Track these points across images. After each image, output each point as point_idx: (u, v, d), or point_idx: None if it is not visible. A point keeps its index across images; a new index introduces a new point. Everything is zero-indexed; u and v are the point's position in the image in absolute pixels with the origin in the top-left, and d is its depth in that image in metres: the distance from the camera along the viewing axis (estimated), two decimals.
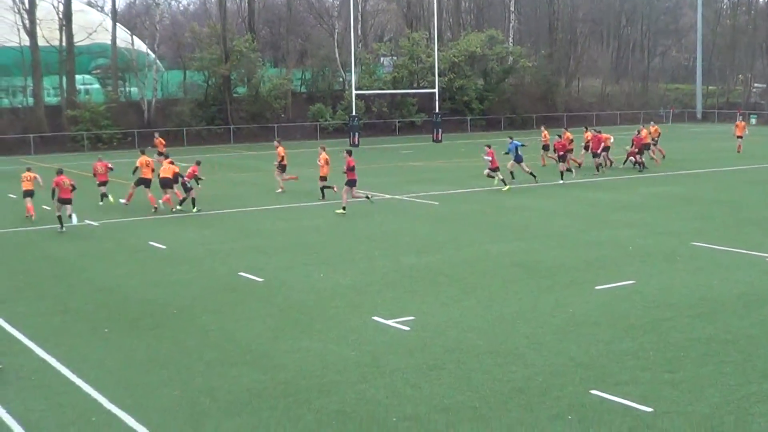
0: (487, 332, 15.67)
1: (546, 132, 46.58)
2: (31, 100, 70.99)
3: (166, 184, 32.14)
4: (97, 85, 77.59)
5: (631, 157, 43.58)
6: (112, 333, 16.27)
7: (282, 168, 37.44)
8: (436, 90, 73.75)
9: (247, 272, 21.17)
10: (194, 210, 31.93)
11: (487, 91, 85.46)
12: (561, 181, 38.46)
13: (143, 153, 35.33)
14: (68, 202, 29.07)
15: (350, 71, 74.24)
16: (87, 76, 77.51)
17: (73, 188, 29.19)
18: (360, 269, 21.42)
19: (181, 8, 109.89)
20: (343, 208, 30.88)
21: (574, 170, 41.03)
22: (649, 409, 11.76)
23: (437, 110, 73.25)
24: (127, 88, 77.78)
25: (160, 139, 52.09)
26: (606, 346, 14.67)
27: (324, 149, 34.79)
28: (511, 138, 40.75)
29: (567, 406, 11.97)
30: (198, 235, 26.96)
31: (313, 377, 13.40)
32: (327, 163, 34.10)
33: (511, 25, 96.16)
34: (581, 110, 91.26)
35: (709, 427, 11.20)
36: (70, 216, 29.19)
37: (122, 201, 33.95)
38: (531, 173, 39.14)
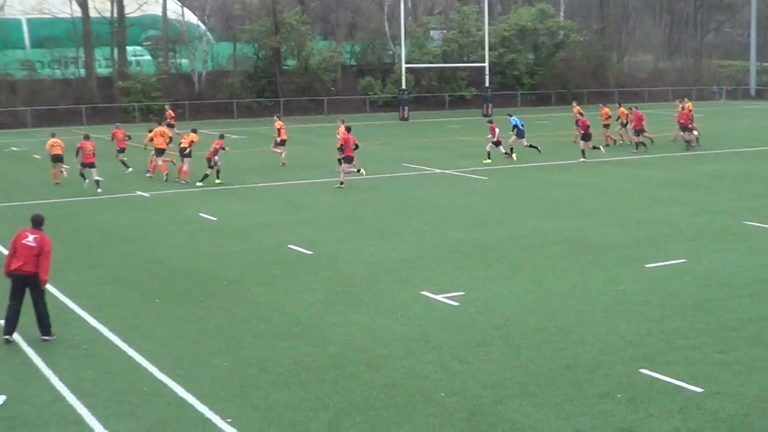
0: (536, 309, 15.61)
1: (578, 108, 45.85)
2: (82, 71, 71.61)
3: (181, 152, 33.37)
4: (148, 57, 77.75)
5: (683, 133, 42.81)
6: (163, 303, 16.42)
7: (281, 143, 38.16)
8: (486, 64, 72.73)
9: (296, 245, 21.23)
10: (217, 182, 32.49)
11: (538, 66, 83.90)
12: (582, 159, 37.93)
13: (160, 124, 36.96)
14: (92, 165, 31.40)
15: (400, 44, 73.46)
16: (138, 48, 77.60)
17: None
18: (409, 243, 21.38)
19: None
20: (341, 183, 31.13)
21: (602, 148, 40.22)
22: (699, 390, 11.67)
23: (487, 84, 72.50)
24: (178, 60, 77.98)
25: (170, 111, 52.28)
26: (656, 324, 14.56)
27: (342, 122, 35.69)
28: (510, 115, 41.37)
29: (616, 384, 11.91)
30: (248, 207, 27.13)
31: (362, 351, 13.44)
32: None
33: None
34: (633, 86, 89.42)
35: (759, 408, 11.10)
36: (96, 182, 30.81)
37: (147, 174, 34.86)
38: (533, 146, 39.10)
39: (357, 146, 31.99)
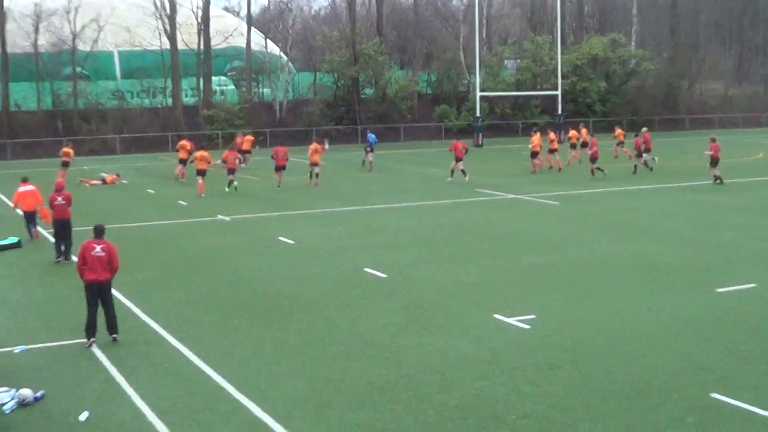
0: (606, 332, 15.61)
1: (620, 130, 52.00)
2: (169, 101, 73.46)
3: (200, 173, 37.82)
4: (232, 86, 79.52)
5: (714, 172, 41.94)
6: (241, 324, 16.69)
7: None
8: (558, 92, 74.39)
9: (371, 268, 21.40)
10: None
11: (609, 94, 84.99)
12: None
13: (202, 148, 40.60)
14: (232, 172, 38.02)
15: (474, 73, 74.70)
16: (222, 78, 79.71)
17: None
18: (482, 267, 21.43)
19: (313, 13, 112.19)
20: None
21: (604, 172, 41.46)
22: None
23: (560, 112, 73.91)
24: (260, 89, 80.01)
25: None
26: (728, 349, 14.43)
27: (317, 142, 42.43)
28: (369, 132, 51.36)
29: (687, 408, 11.85)
30: (325, 231, 27.47)
31: (434, 372, 13.54)
32: (316, 151, 40.23)
33: (633, 28, 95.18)
34: (703, 113, 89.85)
35: None
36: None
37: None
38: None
39: (467, 150, 40.26)
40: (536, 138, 45.04)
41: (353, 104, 77.08)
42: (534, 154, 44.73)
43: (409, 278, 20.25)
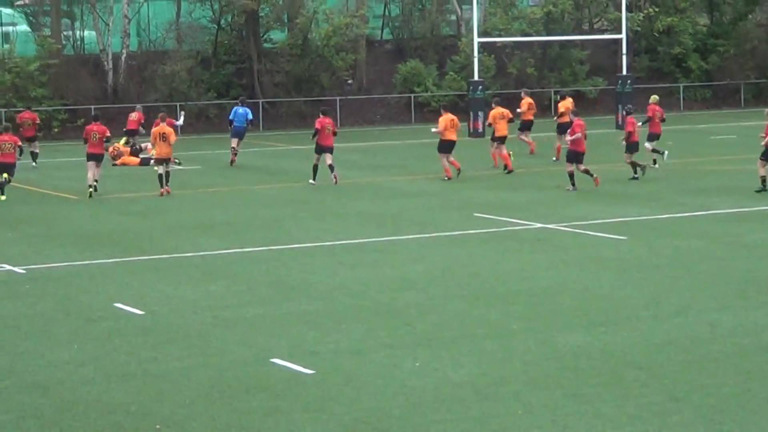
0: None
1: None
2: None
3: None
4: (24, 27, 53.45)
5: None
6: None
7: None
8: (623, 35, 48.53)
9: (285, 358, 14.47)
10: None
11: (717, 38, 57.45)
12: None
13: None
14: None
15: (470, 3, 50.81)
16: (7, 11, 53.79)
17: None
18: (485, 354, 14.51)
19: None
20: None
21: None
22: None
23: (625, 72, 48.81)
24: (79, 33, 53.05)
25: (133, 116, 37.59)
26: None
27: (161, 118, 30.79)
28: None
29: None
30: (199, 291, 18.84)
31: None
32: (162, 137, 29.72)
33: None
34: None
35: None
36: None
37: None
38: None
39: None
40: (566, 105, 34.44)
41: (249, 60, 51.50)
42: (561, 128, 33.29)
43: (354, 378, 13.78)
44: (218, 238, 24.09)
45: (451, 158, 31.34)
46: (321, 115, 31.09)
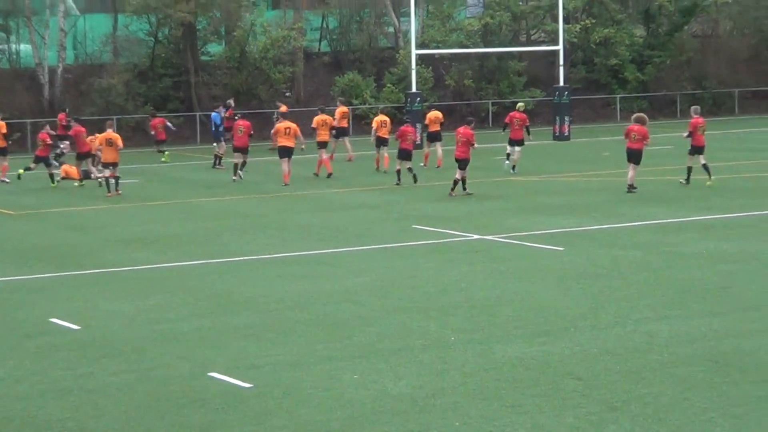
0: None
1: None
2: None
3: None
4: None
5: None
6: None
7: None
8: (560, 47, 47.97)
9: (223, 372, 14.17)
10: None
11: (653, 49, 57.35)
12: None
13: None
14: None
15: (407, 15, 50.46)
16: None
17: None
18: (424, 367, 14.26)
19: None
20: None
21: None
22: None
23: (562, 83, 48.62)
24: (14, 46, 52.51)
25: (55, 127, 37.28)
26: None
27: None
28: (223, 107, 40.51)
29: None
30: (137, 305, 18.44)
31: None
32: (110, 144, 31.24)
33: None
34: None
35: None
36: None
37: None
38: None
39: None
40: (435, 115, 36.41)
41: (187, 73, 51.23)
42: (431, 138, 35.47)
43: (293, 390, 13.50)
44: (157, 252, 23.73)
45: (326, 156, 33.83)
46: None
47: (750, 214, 26.39)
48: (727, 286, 18.68)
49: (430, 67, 52.04)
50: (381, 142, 35.53)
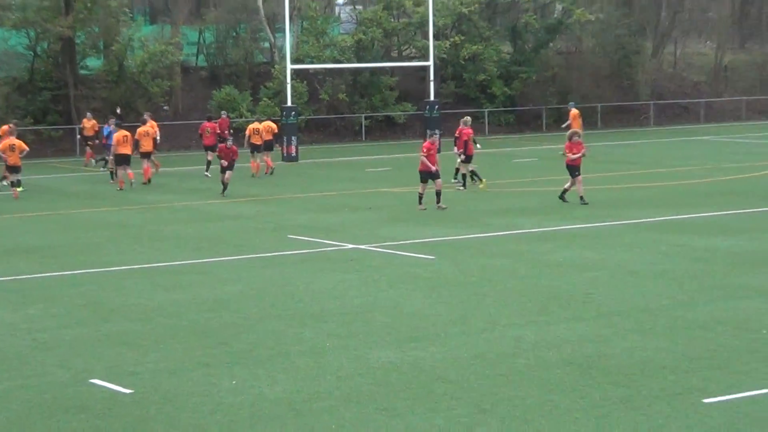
0: None
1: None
2: None
3: None
4: None
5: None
6: None
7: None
8: (430, 62, 48.44)
9: (104, 379, 14.07)
10: None
11: (519, 65, 57.80)
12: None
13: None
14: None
15: (282, 31, 50.12)
16: None
17: None
18: (300, 372, 14.28)
19: None
20: None
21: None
22: None
23: (432, 97, 48.73)
24: None
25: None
26: None
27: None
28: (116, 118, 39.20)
29: None
30: (17, 314, 18.08)
31: None
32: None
33: None
34: (680, 95, 62.49)
35: None
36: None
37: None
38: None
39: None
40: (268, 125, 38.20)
41: (66, 87, 50.35)
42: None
43: (171, 396, 13.46)
44: (36, 262, 23.18)
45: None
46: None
47: (612, 223, 26.97)
48: (589, 292, 19.05)
49: (305, 82, 52.22)
50: (254, 149, 36.69)
